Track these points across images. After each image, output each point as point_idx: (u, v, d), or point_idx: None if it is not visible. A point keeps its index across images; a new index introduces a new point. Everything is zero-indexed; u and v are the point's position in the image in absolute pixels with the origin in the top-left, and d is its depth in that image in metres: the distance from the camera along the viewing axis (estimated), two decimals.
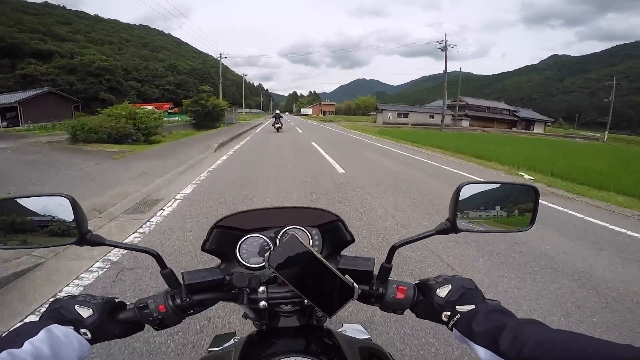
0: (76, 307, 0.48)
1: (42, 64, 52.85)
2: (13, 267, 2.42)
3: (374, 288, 0.58)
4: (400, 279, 0.60)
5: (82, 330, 0.47)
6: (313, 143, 13.21)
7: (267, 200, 4.65)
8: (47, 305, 0.49)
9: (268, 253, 0.51)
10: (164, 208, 4.12)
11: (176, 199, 4.54)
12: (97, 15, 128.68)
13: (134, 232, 3.34)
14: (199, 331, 1.73)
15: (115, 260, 2.63)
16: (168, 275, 0.56)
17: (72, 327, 0.45)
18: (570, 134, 48.53)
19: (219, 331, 1.33)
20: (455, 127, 40.38)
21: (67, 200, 0.51)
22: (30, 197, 0.53)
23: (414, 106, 49.26)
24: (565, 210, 4.82)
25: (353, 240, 0.66)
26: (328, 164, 8.08)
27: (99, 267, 2.54)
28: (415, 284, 0.58)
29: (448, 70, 32.11)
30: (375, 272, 0.59)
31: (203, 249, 0.64)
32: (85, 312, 0.48)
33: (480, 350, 0.42)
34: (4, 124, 23.54)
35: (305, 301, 0.52)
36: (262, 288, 0.55)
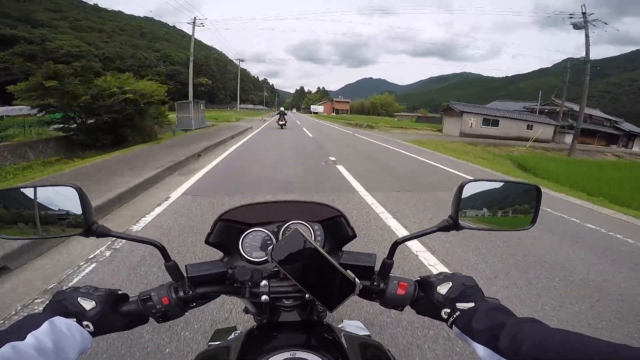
0: (79, 299, 0.48)
1: None
2: None
3: (375, 284, 0.58)
4: (400, 275, 0.59)
5: (85, 323, 0.46)
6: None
7: None
8: (51, 297, 0.49)
9: (271, 247, 0.51)
10: None
11: None
12: (96, 5, 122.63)
13: None
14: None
15: None
16: (172, 268, 0.56)
17: (75, 320, 0.45)
18: None
19: (218, 325, 1.25)
20: (557, 145, 27.64)
21: (75, 191, 0.51)
22: (36, 187, 0.52)
23: (504, 110, 31.60)
24: None
25: (355, 236, 0.67)
26: None
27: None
28: (416, 281, 0.58)
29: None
30: (377, 267, 0.59)
31: (207, 241, 0.64)
32: (88, 305, 0.48)
33: (480, 348, 0.41)
34: None
35: (307, 296, 0.52)
36: (264, 282, 0.55)
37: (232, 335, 0.73)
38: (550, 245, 3.29)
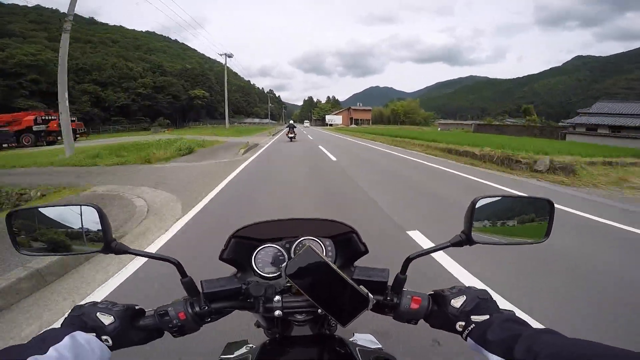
0: (98, 314, 0.49)
1: None
2: None
3: (389, 298, 0.58)
4: (414, 289, 0.60)
5: (104, 337, 0.47)
6: None
7: None
8: (69, 312, 0.49)
9: (285, 264, 0.52)
10: None
11: None
12: (91, 18, 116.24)
13: None
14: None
15: None
16: (188, 283, 0.57)
17: (95, 334, 0.46)
18: None
19: (229, 339, 1.09)
20: None
21: (94, 210, 0.52)
22: (58, 206, 0.55)
23: None
24: None
25: (367, 252, 0.67)
26: None
27: None
28: (430, 295, 0.58)
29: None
30: (390, 282, 0.59)
31: (221, 258, 0.65)
32: (106, 319, 0.49)
33: (495, 359, 0.41)
34: None
35: (319, 310, 0.53)
36: (277, 297, 0.56)
37: (244, 349, 0.73)
38: None
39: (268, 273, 0.65)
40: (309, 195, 5.40)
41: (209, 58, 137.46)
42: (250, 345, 0.76)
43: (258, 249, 0.67)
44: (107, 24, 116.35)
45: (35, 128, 22.44)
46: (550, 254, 2.88)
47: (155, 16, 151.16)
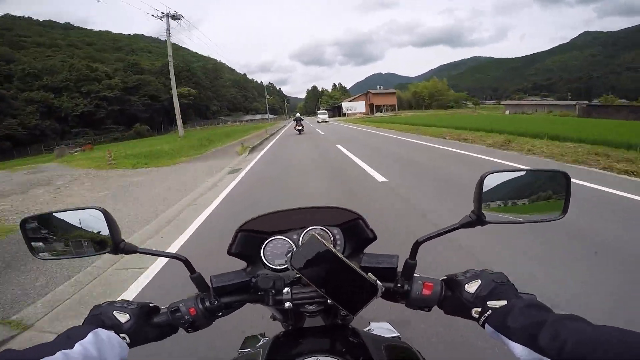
0: (114, 312, 0.50)
1: None
2: None
3: (399, 285, 0.56)
4: (425, 275, 0.57)
5: (121, 335, 0.48)
6: None
7: None
8: (89, 312, 0.51)
9: (290, 254, 0.52)
10: None
11: None
12: (68, 23, 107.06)
13: None
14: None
15: None
16: (197, 279, 0.57)
17: (114, 332, 0.47)
18: None
19: (248, 332, 1.18)
20: None
21: (101, 213, 0.53)
22: (67, 211, 0.56)
23: None
24: None
25: (375, 238, 0.65)
26: None
27: None
28: (442, 280, 0.56)
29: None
30: (400, 268, 0.57)
31: (229, 252, 0.64)
32: (123, 317, 0.50)
33: (517, 347, 0.39)
34: None
35: (329, 301, 0.51)
36: (286, 289, 0.56)
37: (262, 342, 0.73)
38: None
39: (277, 265, 0.64)
40: None
41: (202, 56, 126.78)
42: (267, 338, 0.75)
43: (266, 242, 0.66)
44: (86, 28, 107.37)
45: None
46: None
47: (147, 18, 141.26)
